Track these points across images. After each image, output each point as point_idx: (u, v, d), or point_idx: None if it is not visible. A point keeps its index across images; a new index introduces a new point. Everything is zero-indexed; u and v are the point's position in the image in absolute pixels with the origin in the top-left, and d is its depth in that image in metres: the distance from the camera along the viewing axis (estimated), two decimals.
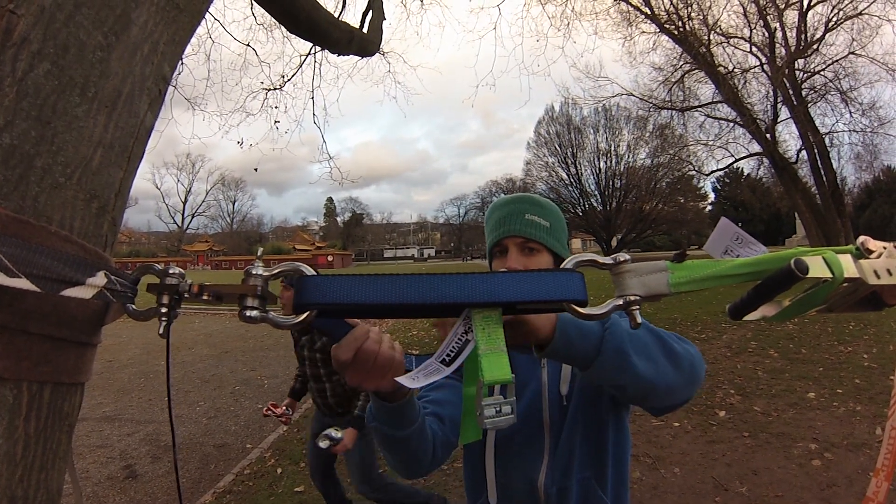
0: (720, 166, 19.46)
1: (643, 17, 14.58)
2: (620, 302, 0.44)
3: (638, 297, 0.44)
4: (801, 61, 14.44)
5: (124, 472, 4.04)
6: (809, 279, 0.44)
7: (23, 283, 0.36)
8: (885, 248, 0.48)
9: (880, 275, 0.47)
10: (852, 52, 13.67)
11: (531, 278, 0.45)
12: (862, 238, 0.49)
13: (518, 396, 0.93)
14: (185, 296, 0.42)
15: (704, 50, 14.23)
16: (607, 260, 0.46)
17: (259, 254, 0.44)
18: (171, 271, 0.42)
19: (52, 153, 0.44)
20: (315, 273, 0.44)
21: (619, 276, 0.45)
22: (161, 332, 0.42)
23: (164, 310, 0.42)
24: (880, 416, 4.01)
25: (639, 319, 0.45)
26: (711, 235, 0.52)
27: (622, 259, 0.45)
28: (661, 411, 0.93)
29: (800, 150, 15.18)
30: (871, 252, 0.48)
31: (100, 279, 0.40)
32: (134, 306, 0.44)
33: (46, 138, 0.44)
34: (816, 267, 0.44)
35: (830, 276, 0.45)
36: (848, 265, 0.46)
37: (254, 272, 0.42)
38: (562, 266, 0.47)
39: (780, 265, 0.44)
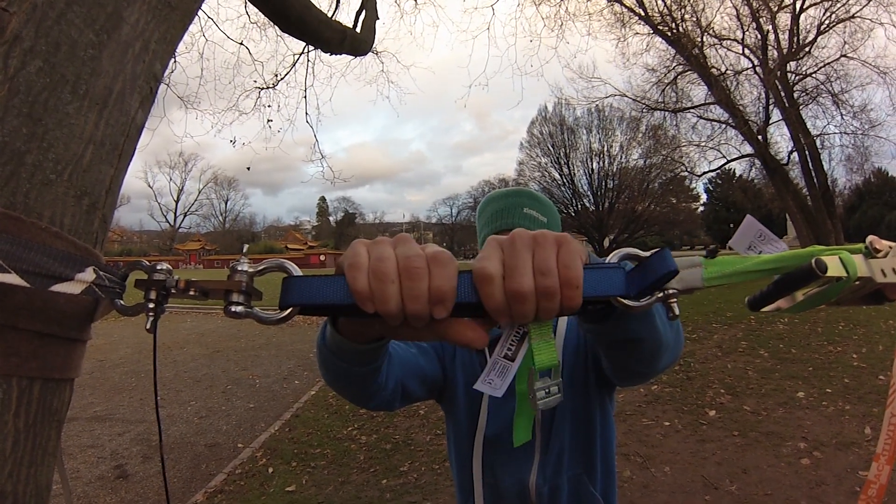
0: (712, 167, 19.63)
1: (637, 18, 14.62)
2: (660, 294, 0.46)
3: (675, 291, 0.46)
4: (793, 64, 14.54)
5: (115, 471, 4.02)
6: (824, 277, 0.47)
7: (12, 279, 0.36)
8: (890, 247, 0.52)
9: (886, 273, 0.50)
10: (844, 55, 13.79)
11: (589, 276, 0.44)
12: (870, 238, 0.52)
13: (508, 396, 0.93)
14: (173, 291, 0.43)
15: (697, 52, 14.30)
16: (647, 255, 0.47)
17: (244, 251, 0.44)
18: (158, 267, 0.43)
19: (42, 150, 0.45)
20: (300, 273, 0.44)
21: None
22: (148, 327, 0.43)
23: (151, 305, 0.42)
24: (869, 415, 4.06)
25: (676, 311, 0.46)
26: (737, 232, 0.55)
27: None
28: (646, 377, 0.86)
29: (791, 152, 15.27)
30: (878, 251, 0.51)
31: (89, 275, 0.41)
32: (122, 302, 0.44)
33: (37, 135, 0.44)
34: (833, 266, 0.47)
35: (845, 274, 0.48)
36: (860, 264, 0.49)
37: (239, 268, 0.42)
38: (607, 260, 0.48)
39: (800, 263, 0.48)
